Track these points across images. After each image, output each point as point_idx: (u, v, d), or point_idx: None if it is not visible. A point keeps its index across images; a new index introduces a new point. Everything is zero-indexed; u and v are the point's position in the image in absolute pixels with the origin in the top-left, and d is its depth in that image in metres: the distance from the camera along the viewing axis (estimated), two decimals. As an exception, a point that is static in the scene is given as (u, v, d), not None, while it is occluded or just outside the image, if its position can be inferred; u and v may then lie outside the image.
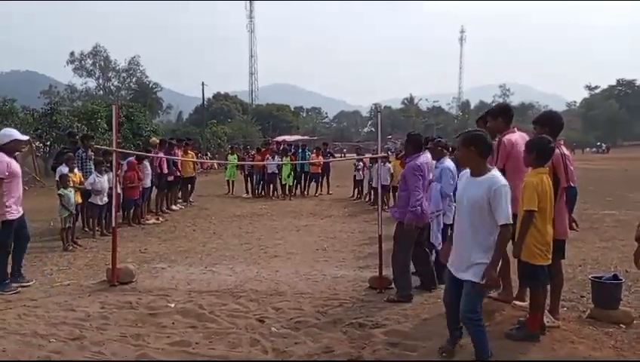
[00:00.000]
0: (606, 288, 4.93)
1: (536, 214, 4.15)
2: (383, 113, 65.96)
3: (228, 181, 18.70)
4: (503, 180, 3.67)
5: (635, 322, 4.76)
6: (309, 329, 4.72)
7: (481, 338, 3.74)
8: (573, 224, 4.76)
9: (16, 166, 6.11)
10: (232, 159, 19.46)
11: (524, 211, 4.14)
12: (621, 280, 5.03)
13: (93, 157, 10.15)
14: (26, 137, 6.58)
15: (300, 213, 13.48)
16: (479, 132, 3.92)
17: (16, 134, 6.26)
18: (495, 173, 3.74)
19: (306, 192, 17.93)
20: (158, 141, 14.71)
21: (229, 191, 18.43)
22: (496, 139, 4.96)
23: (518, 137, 5.01)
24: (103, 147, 11.48)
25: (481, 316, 3.74)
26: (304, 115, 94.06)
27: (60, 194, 8.58)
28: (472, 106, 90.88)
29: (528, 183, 4.19)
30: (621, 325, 4.69)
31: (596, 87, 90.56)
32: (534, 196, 4.14)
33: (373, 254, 7.24)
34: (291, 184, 17.31)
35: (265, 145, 21.11)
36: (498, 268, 3.93)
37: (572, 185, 4.56)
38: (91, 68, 69.06)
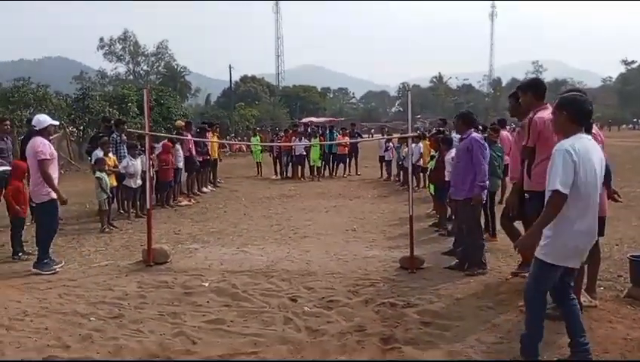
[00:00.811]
0: (645, 267, 4.82)
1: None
2: (411, 92, 64.63)
3: (258, 163, 18.88)
4: (565, 145, 3.30)
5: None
6: (341, 309, 4.75)
7: (533, 323, 3.47)
8: (615, 195, 4.66)
9: (53, 149, 6.52)
10: (255, 141, 19.63)
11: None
12: (661, 259, 4.91)
13: (126, 141, 10.34)
14: (57, 122, 7.16)
15: (328, 194, 13.51)
16: (575, 95, 3.62)
17: (50, 119, 6.64)
18: (569, 139, 3.35)
19: (334, 173, 17.96)
20: (183, 123, 14.90)
21: (258, 173, 18.59)
22: (528, 118, 4.84)
23: (551, 115, 4.87)
24: (136, 130, 11.68)
25: (542, 300, 3.45)
26: (331, 96, 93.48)
27: (98, 178, 8.81)
28: (503, 84, 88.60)
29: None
30: (660, 305, 4.58)
31: (632, 62, 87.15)
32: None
33: (404, 235, 7.21)
34: (319, 165, 17.37)
35: (293, 126, 21.15)
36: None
37: None
38: (121, 53, 69.92)
